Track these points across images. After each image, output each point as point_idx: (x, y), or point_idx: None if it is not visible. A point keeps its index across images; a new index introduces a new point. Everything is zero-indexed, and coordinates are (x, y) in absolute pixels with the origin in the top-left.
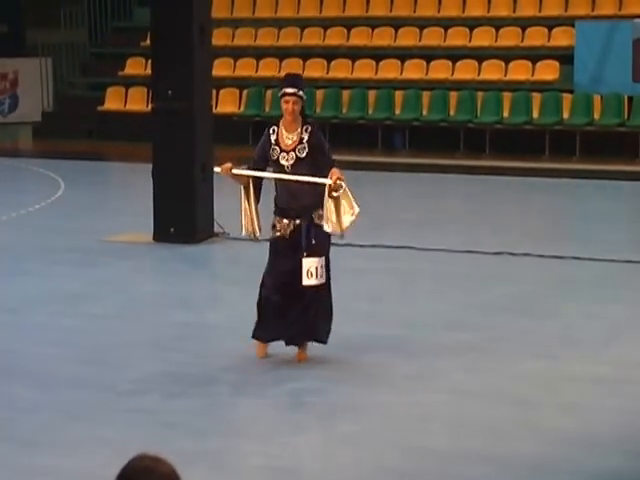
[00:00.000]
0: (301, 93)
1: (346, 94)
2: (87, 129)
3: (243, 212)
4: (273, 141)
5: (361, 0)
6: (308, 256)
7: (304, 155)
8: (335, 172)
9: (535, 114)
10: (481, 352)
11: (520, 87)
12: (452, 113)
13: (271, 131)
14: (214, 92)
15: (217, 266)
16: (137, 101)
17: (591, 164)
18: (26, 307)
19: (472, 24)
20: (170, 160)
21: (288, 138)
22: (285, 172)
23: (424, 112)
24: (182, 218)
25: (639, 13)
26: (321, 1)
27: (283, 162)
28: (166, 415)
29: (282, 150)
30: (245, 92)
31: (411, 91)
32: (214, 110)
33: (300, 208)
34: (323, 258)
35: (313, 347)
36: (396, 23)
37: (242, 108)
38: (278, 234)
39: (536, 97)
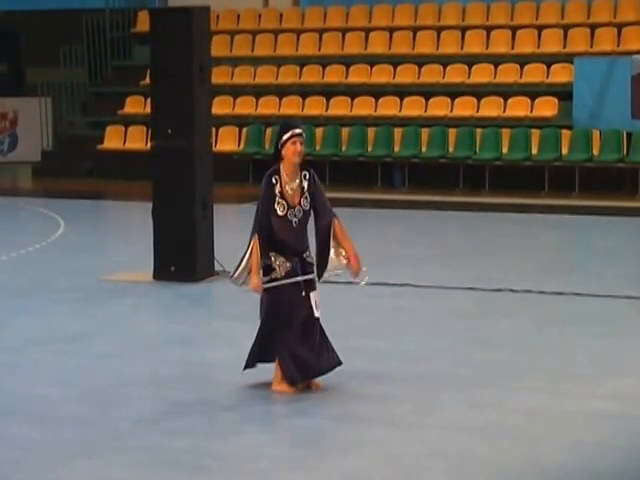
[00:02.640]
0: (304, 135)
1: (345, 131)
2: (87, 168)
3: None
4: (277, 193)
5: (360, 37)
6: (312, 290)
7: (308, 207)
8: (354, 257)
9: (534, 150)
10: (482, 387)
11: (519, 123)
12: (451, 150)
13: (273, 181)
14: (214, 130)
15: (218, 304)
16: (137, 140)
17: (590, 200)
18: (27, 347)
19: (470, 61)
20: (170, 199)
21: (291, 188)
22: (292, 227)
23: (423, 149)
24: (182, 257)
25: (638, 49)
26: (320, 38)
27: (292, 218)
28: (168, 453)
29: (289, 206)
30: (245, 130)
31: (410, 128)
32: (214, 148)
33: (297, 252)
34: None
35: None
36: (395, 60)
37: (242, 146)
38: (277, 275)
39: (535, 133)
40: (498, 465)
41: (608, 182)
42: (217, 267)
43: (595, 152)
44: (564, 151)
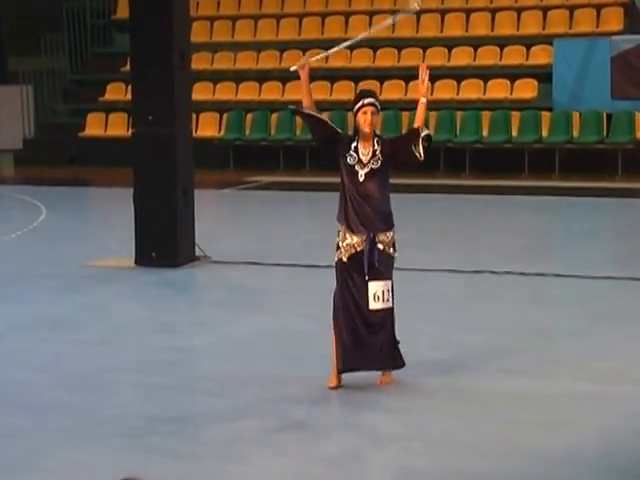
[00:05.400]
0: (378, 104)
1: (325, 116)
2: (69, 155)
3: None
4: (353, 147)
5: (339, 22)
6: (373, 279)
7: (378, 165)
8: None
9: (514, 132)
10: (464, 370)
11: (499, 106)
12: (431, 133)
13: (353, 138)
14: (194, 116)
15: (199, 290)
16: (118, 126)
17: (571, 182)
18: (9, 333)
19: (450, 44)
20: (151, 185)
21: (363, 154)
22: (358, 181)
23: (403, 132)
24: (164, 242)
25: (617, 30)
26: (300, 23)
27: (359, 170)
28: (151, 439)
29: (360, 160)
30: (225, 116)
31: (390, 112)
32: (194, 134)
33: (372, 227)
34: (389, 282)
35: (296, 367)
36: (375, 44)
37: (222, 132)
38: (341, 256)
39: (515, 115)
40: (479, 448)
41: (588, 163)
42: (198, 252)
43: (575, 133)
44: (544, 133)
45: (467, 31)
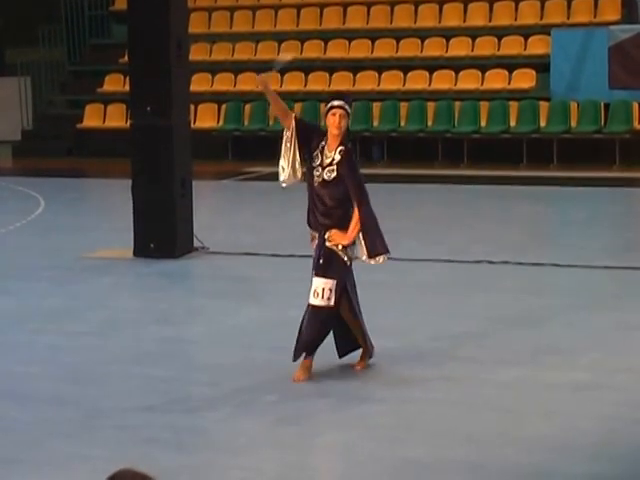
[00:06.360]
0: (348, 108)
1: (323, 106)
2: (67, 147)
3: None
4: (321, 147)
5: (338, 13)
6: (317, 275)
7: (331, 179)
8: (336, 235)
9: (512, 122)
10: (462, 360)
11: (497, 96)
12: (430, 123)
13: (323, 139)
14: (192, 107)
15: (197, 281)
16: (116, 118)
17: (568, 171)
18: (7, 325)
19: (448, 34)
20: (150, 176)
21: (326, 156)
22: (313, 183)
23: (402, 123)
24: (162, 233)
25: (614, 20)
26: (298, 14)
27: (315, 173)
28: (148, 431)
29: (321, 163)
30: (223, 107)
31: (389, 102)
32: (193, 125)
33: (322, 227)
34: (334, 282)
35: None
36: (373, 35)
37: (221, 123)
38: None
39: (513, 106)
40: (477, 438)
41: (586, 153)
42: (196, 243)
43: (573, 123)
44: (542, 123)
45: (465, 21)
